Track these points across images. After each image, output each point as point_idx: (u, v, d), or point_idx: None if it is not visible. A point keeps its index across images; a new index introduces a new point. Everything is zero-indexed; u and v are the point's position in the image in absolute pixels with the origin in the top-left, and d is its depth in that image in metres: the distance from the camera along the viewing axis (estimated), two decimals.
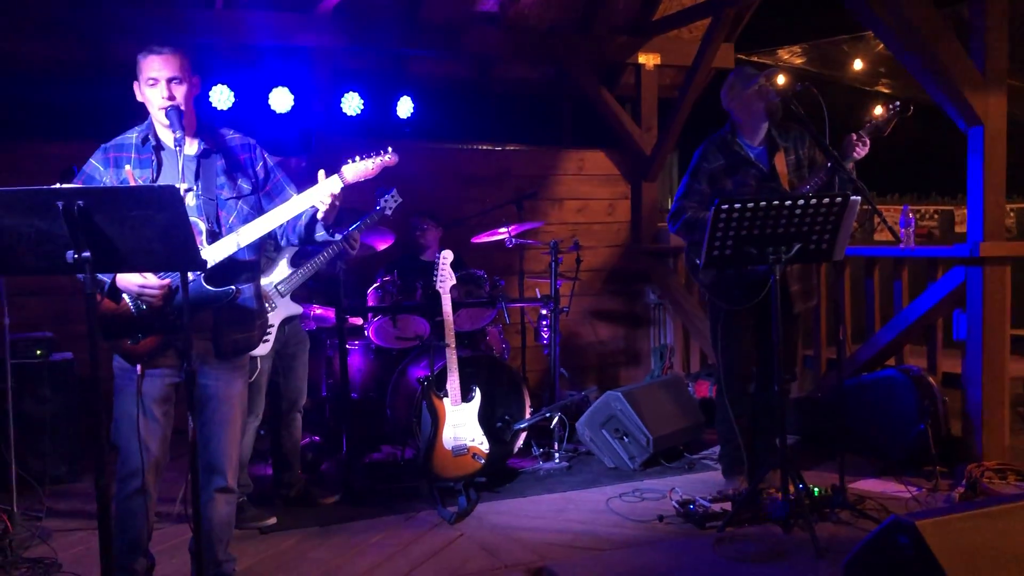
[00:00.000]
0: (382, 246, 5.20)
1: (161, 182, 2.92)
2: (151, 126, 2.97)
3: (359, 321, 5.13)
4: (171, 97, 2.87)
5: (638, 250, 7.16)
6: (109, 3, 5.60)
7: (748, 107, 4.20)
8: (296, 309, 4.12)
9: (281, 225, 3.00)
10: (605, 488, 4.55)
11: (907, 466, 4.60)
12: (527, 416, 4.82)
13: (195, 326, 2.87)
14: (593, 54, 6.92)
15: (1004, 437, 4.58)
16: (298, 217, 3.02)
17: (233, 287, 2.95)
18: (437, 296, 4.41)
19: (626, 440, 4.86)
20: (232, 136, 3.11)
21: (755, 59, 7.90)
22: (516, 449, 4.84)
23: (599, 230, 7.18)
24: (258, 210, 3.06)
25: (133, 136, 2.98)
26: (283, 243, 3.18)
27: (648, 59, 7.10)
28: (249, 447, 4.13)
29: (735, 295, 4.16)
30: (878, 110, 4.10)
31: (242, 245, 2.92)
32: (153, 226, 2.38)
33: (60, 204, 2.28)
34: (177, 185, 2.60)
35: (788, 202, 3.67)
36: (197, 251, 2.51)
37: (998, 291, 4.49)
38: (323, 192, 2.93)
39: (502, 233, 5.44)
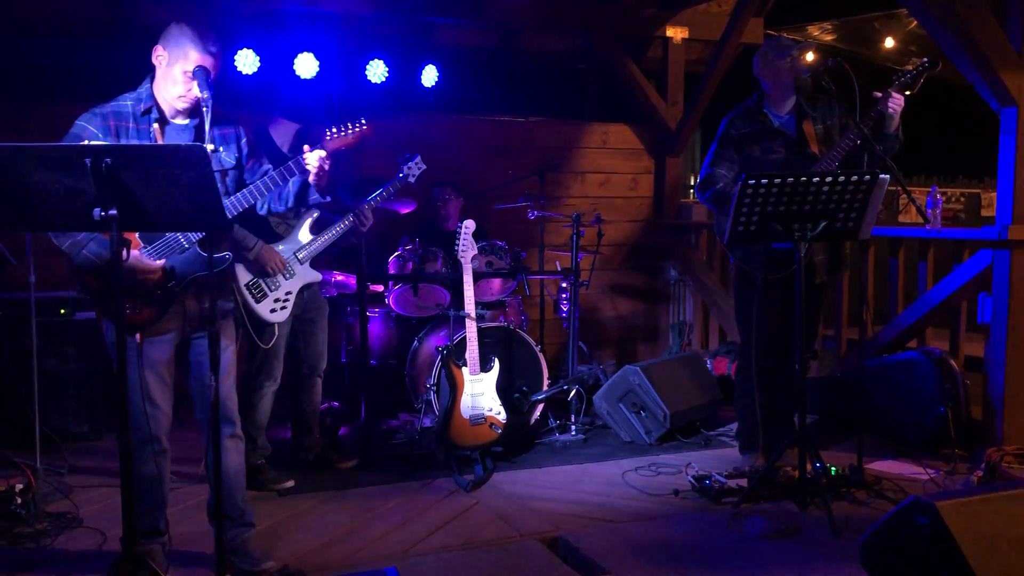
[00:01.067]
0: (404, 210, 5.20)
1: None
2: (153, 98, 2.97)
3: (380, 288, 5.14)
4: (196, 98, 2.92)
5: (660, 225, 7.12)
6: None
7: (778, 78, 4.16)
8: (315, 276, 4.13)
9: (263, 197, 3.10)
10: (621, 461, 4.56)
11: (926, 448, 4.57)
12: (545, 388, 4.83)
13: (193, 291, 3.03)
14: (620, 26, 6.84)
15: None
16: (282, 187, 3.13)
17: (228, 253, 3.08)
18: (458, 265, 4.41)
19: (643, 414, 4.86)
20: (217, 112, 3.07)
21: (785, 35, 7.79)
22: (533, 420, 4.86)
23: (621, 204, 7.14)
24: (240, 184, 3.16)
25: (129, 104, 2.96)
26: (263, 212, 3.31)
27: (676, 32, 7.02)
28: (267, 411, 4.16)
29: (762, 266, 4.12)
30: (908, 67, 4.06)
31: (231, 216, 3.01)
32: (180, 185, 2.39)
33: (88, 161, 2.29)
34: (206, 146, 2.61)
35: (816, 179, 3.64)
36: (223, 211, 2.53)
37: None
38: (312, 161, 3.07)
39: (524, 204, 5.42)
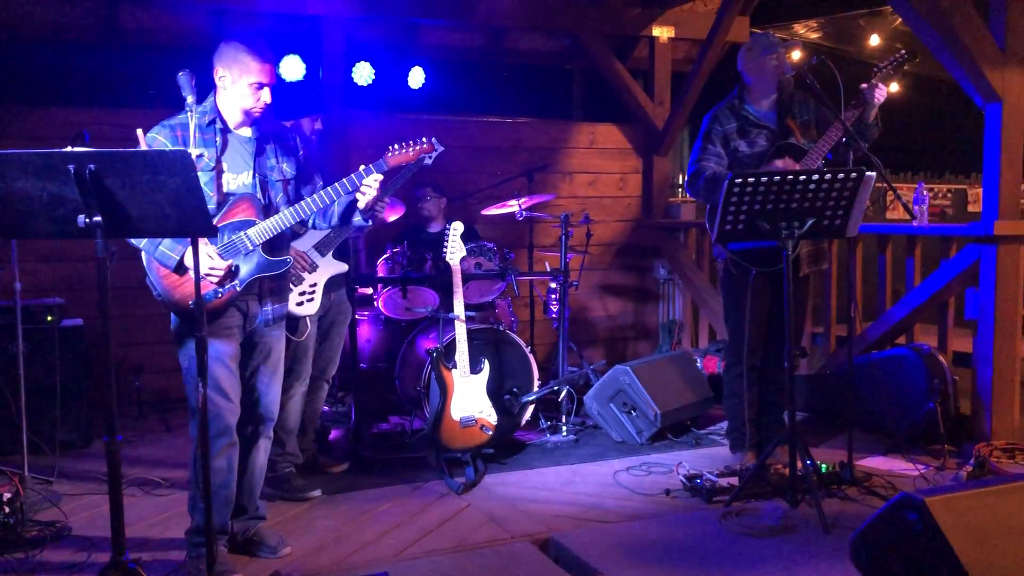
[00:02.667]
0: (392, 216, 5.19)
1: (225, 161, 3.09)
2: (216, 109, 3.10)
3: (369, 291, 5.13)
4: (266, 104, 3.10)
5: (649, 225, 7.13)
6: None
7: (762, 73, 4.19)
8: (340, 267, 4.16)
9: (312, 212, 3.17)
10: (612, 461, 4.56)
11: (915, 444, 4.59)
12: (535, 389, 4.82)
13: (255, 291, 3.17)
14: (607, 26, 6.86)
15: (1014, 417, 4.56)
16: (329, 205, 3.20)
17: (288, 257, 3.21)
18: (447, 268, 4.40)
19: (634, 414, 4.86)
20: (276, 122, 3.31)
21: (770, 32, 7.79)
22: (524, 422, 4.85)
23: (610, 204, 7.15)
24: (294, 193, 3.28)
25: (196, 116, 3.01)
26: (310, 225, 3.40)
27: (662, 32, 7.04)
28: (297, 414, 4.13)
29: (753, 260, 4.12)
30: (887, 60, 4.11)
31: (285, 226, 3.13)
32: (165, 191, 2.38)
33: (71, 167, 2.28)
34: (190, 151, 2.61)
35: (803, 177, 3.65)
36: (209, 218, 2.52)
37: (1012, 270, 4.46)
38: (371, 184, 3.16)
39: (512, 205, 5.42)
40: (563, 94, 7.71)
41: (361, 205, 3.18)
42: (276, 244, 3.18)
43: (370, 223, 3.33)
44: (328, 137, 4.96)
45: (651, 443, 4.85)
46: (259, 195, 3.14)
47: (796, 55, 4.30)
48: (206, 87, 3.14)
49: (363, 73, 6.39)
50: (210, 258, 3.00)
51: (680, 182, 8.58)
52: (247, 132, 3.17)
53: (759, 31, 7.60)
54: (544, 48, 7.34)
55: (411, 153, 3.28)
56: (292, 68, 5.98)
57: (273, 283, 3.22)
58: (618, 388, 4.88)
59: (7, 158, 2.27)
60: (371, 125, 6.36)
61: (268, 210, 3.16)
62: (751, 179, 3.62)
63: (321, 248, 4.07)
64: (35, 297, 5.02)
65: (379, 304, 5.02)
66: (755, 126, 4.22)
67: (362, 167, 3.15)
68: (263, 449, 3.38)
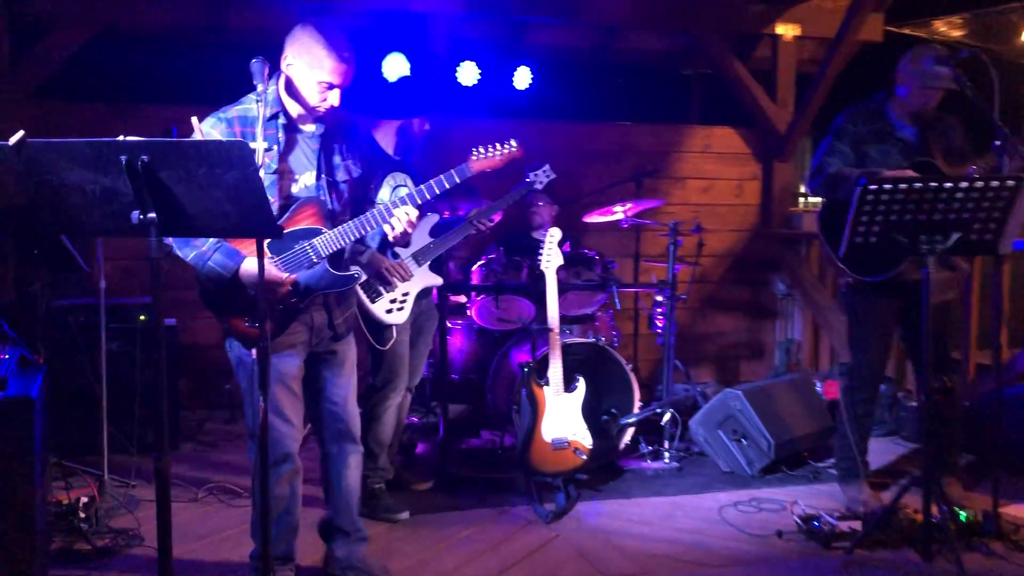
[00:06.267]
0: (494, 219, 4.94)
1: (288, 161, 2.82)
2: (280, 102, 2.79)
3: (462, 299, 4.88)
4: (332, 107, 2.79)
5: (767, 235, 6.66)
6: None
7: (921, 89, 3.75)
8: (435, 280, 3.92)
9: (378, 225, 2.88)
10: (718, 494, 4.16)
11: None
12: (636, 410, 4.47)
13: (321, 306, 2.89)
14: (726, 23, 6.44)
15: None
16: (375, 228, 2.90)
17: (357, 270, 2.91)
18: (543, 276, 4.10)
19: (744, 443, 4.44)
20: (343, 116, 2.95)
21: (907, 31, 7.20)
22: (622, 445, 4.50)
23: (725, 212, 6.72)
24: (360, 195, 3.01)
25: (253, 107, 2.71)
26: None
27: (787, 29, 6.57)
28: (391, 425, 3.91)
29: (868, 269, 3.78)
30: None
31: (353, 238, 2.83)
32: (223, 187, 2.16)
33: (123, 158, 2.08)
34: (252, 145, 2.39)
35: (948, 184, 3.18)
36: (271, 216, 2.30)
37: None
38: (399, 218, 2.83)
39: (616, 212, 5.08)
40: (676, 96, 7.32)
41: (390, 237, 2.88)
42: (341, 255, 2.90)
43: (470, 222, 3.07)
44: (429, 139, 4.75)
45: (762, 475, 4.42)
46: (325, 199, 2.84)
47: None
48: None
49: (468, 73, 6.19)
50: (275, 271, 2.74)
51: (802, 190, 8.05)
52: (312, 128, 2.86)
53: (894, 29, 7.06)
54: (657, 47, 6.96)
55: (496, 158, 3.00)
56: (396, 66, 5.82)
57: (340, 293, 2.94)
58: (728, 414, 4.47)
59: (57, 147, 2.10)
60: (473, 128, 6.13)
61: (334, 216, 2.86)
62: (887, 185, 3.19)
63: (419, 257, 3.84)
64: (129, 296, 4.99)
65: (472, 313, 4.77)
66: (892, 137, 3.84)
67: (401, 192, 2.89)
68: (354, 466, 3.08)
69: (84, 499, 3.57)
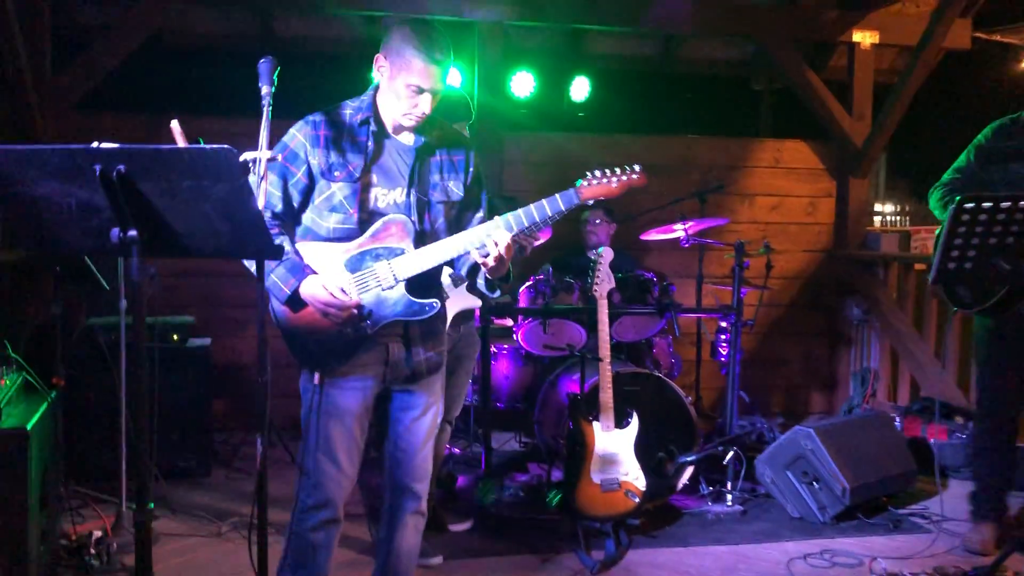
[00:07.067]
0: (539, 241, 4.61)
1: (376, 172, 2.52)
2: (372, 108, 2.53)
3: (508, 322, 4.57)
4: (423, 115, 2.47)
5: (841, 257, 6.20)
6: None
7: None
8: (473, 302, 3.60)
9: (467, 250, 2.53)
10: (786, 544, 3.75)
11: None
12: (696, 448, 4.08)
13: (400, 335, 2.55)
14: (798, 30, 6.05)
15: None
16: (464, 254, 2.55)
17: (436, 301, 2.53)
18: (594, 300, 3.76)
19: (816, 486, 4.02)
20: (449, 131, 2.65)
21: (997, 38, 6.70)
22: (680, 485, 4.12)
23: (795, 231, 6.28)
24: (456, 221, 2.65)
25: (347, 113, 2.52)
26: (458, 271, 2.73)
27: (864, 37, 6.13)
28: (438, 459, 3.64)
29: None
30: None
31: (440, 261, 2.51)
32: (212, 200, 1.89)
33: (97, 167, 1.83)
34: (253, 154, 2.11)
35: None
36: (269, 235, 2.02)
37: None
38: (493, 238, 2.45)
39: (677, 230, 4.72)
40: (744, 107, 6.94)
41: (480, 264, 2.49)
42: (425, 281, 2.53)
43: (498, 294, 2.65)
44: (480, 152, 4.47)
45: (836, 523, 3.99)
46: (414, 218, 2.51)
47: None
48: (347, 93, 2.61)
49: (522, 83, 5.92)
50: (341, 292, 2.42)
51: (878, 208, 7.55)
52: (408, 139, 2.55)
53: (982, 35, 6.56)
54: (723, 56, 6.60)
55: (612, 185, 2.54)
56: (449, 75, 5.57)
57: (424, 325, 2.58)
58: (798, 453, 4.06)
59: (23, 155, 1.85)
60: (527, 140, 5.87)
61: (423, 238, 2.52)
62: (986, 204, 2.78)
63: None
64: (173, 314, 4.81)
65: (519, 337, 4.45)
66: None
67: (504, 222, 2.47)
68: (411, 527, 2.69)
69: (97, 533, 3.36)
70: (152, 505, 2.12)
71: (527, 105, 6.01)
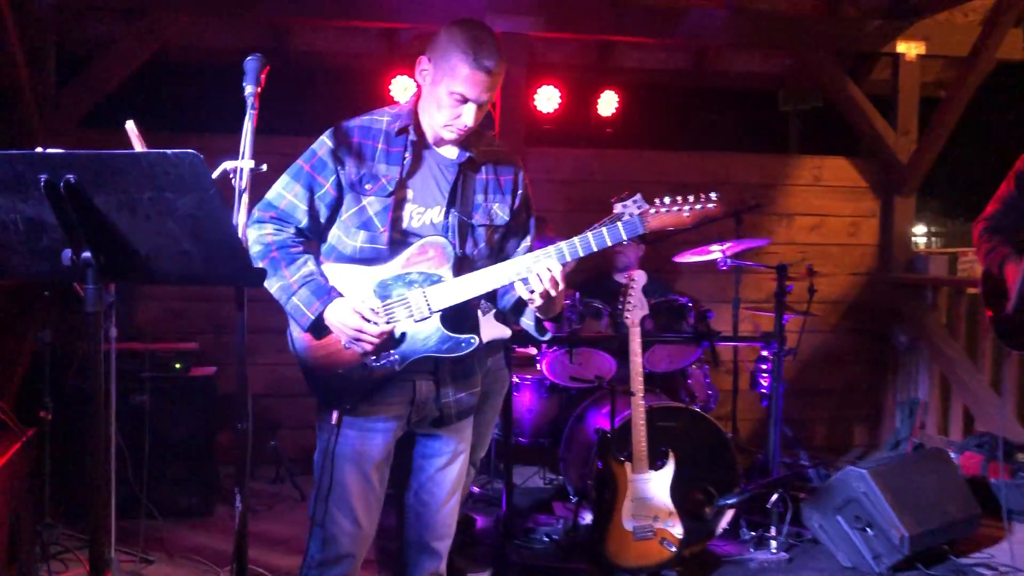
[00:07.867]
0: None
1: (411, 187, 2.25)
2: (412, 115, 2.28)
3: (532, 351, 4.25)
4: (466, 128, 2.20)
5: (887, 280, 5.85)
6: None
7: None
8: (503, 332, 3.31)
9: (510, 280, 2.24)
10: None
11: None
12: (737, 489, 3.74)
13: (430, 372, 2.28)
14: (840, 41, 5.77)
15: None
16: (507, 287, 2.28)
17: (473, 336, 2.26)
18: (624, 327, 3.44)
19: (869, 532, 3.66)
20: (498, 147, 2.37)
21: None
22: (720, 530, 3.77)
23: (837, 253, 5.93)
24: (499, 247, 2.39)
25: (385, 120, 2.28)
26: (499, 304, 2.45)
27: (909, 48, 5.82)
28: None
29: None
30: None
31: (481, 292, 2.23)
32: (176, 216, 1.60)
33: (43, 177, 1.55)
34: (238, 163, 1.83)
35: None
36: (246, 256, 1.74)
37: None
38: (544, 267, 2.16)
39: (713, 252, 4.39)
40: (781, 122, 6.61)
41: (525, 298, 2.20)
42: (462, 314, 2.27)
43: (549, 336, 2.37)
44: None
45: (893, 573, 3.63)
46: (455, 241, 2.25)
47: None
48: (363, 109, 2.34)
49: (547, 97, 5.66)
50: (373, 313, 2.16)
51: (927, 229, 7.18)
52: (451, 152, 2.28)
53: None
54: (759, 69, 6.29)
55: (686, 215, 2.24)
56: (498, 86, 5.34)
57: (457, 363, 2.31)
58: (850, 496, 3.69)
59: None
60: (552, 156, 5.60)
61: (462, 264, 2.26)
62: None
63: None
64: (174, 341, 4.56)
65: (543, 367, 4.14)
66: None
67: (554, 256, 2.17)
68: None
69: None
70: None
71: (552, 120, 5.73)
